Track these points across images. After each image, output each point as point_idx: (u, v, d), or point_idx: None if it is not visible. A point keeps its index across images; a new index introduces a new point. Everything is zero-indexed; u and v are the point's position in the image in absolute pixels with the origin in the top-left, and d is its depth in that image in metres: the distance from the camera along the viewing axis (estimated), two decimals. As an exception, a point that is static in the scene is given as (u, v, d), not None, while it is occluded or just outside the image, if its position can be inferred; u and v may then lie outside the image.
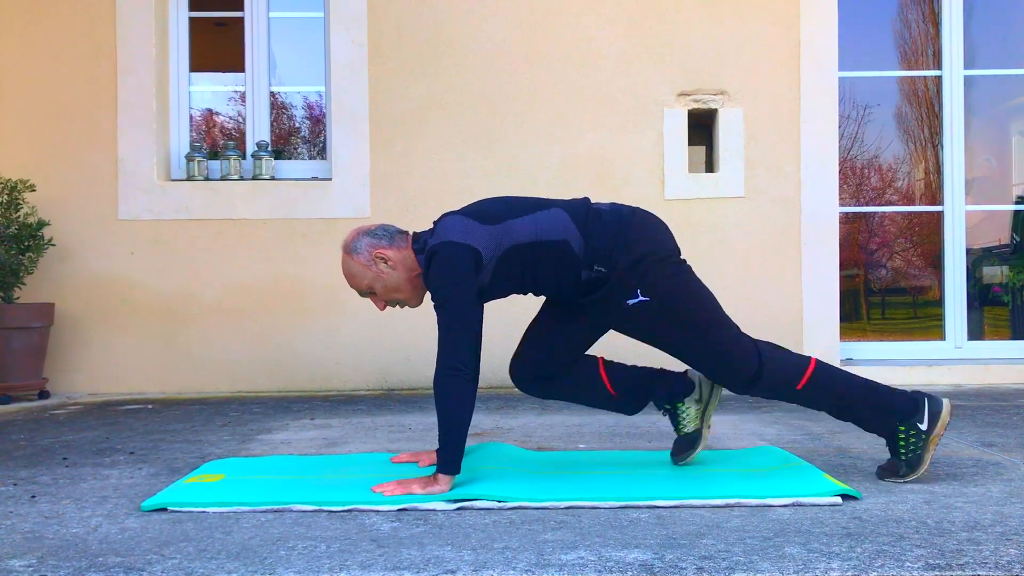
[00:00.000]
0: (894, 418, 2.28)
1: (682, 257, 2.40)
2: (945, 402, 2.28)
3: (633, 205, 2.45)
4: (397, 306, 2.47)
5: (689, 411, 2.49)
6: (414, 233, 2.44)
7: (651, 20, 4.67)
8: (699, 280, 2.39)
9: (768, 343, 2.39)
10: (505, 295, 2.43)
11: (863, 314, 5.76)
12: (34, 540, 1.87)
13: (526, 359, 2.50)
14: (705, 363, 2.36)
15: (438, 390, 2.19)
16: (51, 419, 3.74)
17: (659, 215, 2.48)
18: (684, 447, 2.51)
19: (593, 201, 2.42)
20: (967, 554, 1.67)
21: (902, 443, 2.28)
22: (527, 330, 2.54)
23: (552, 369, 2.49)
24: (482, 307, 2.28)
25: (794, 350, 2.48)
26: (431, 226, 2.44)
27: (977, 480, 2.31)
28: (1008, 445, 2.81)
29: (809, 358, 2.36)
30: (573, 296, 2.37)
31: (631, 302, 2.30)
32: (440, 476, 2.17)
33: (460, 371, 2.17)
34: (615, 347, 2.73)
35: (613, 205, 2.40)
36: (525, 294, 2.45)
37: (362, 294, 2.43)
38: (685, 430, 2.50)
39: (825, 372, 2.34)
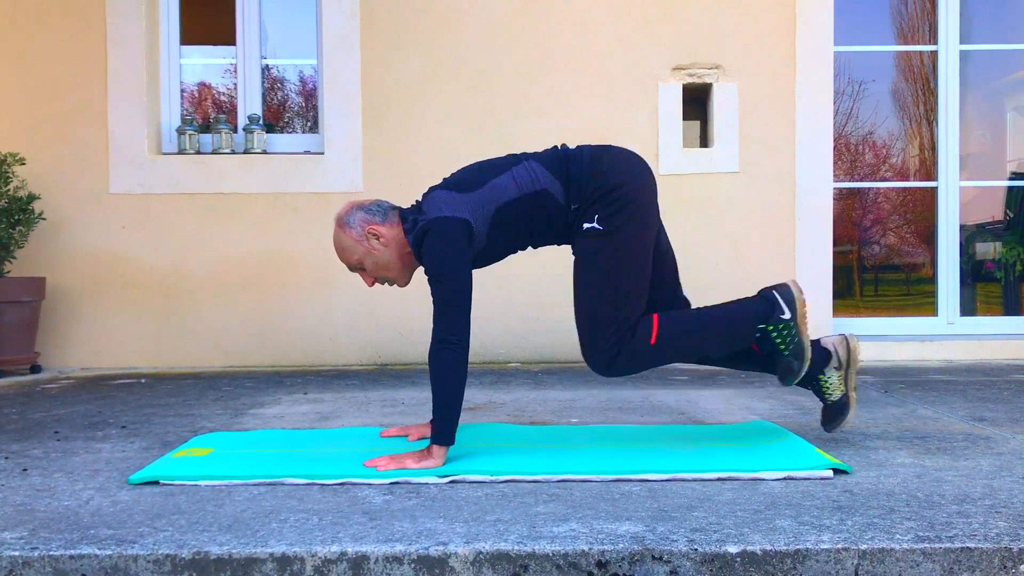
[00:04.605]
0: (757, 322, 2.30)
1: (653, 200, 2.36)
2: (790, 282, 2.34)
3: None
4: (386, 283, 2.46)
5: (831, 380, 2.41)
6: (400, 210, 2.42)
7: (646, -7, 4.63)
8: (647, 242, 2.34)
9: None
10: (503, 256, 2.44)
11: (856, 290, 5.77)
12: (26, 513, 1.87)
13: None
14: (591, 314, 2.28)
15: (434, 364, 2.19)
16: (43, 393, 3.73)
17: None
18: (834, 414, 2.44)
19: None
20: (956, 526, 1.68)
21: (778, 340, 2.31)
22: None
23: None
24: (472, 279, 2.27)
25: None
26: (413, 203, 2.43)
27: (967, 454, 2.32)
28: (998, 420, 2.82)
29: (651, 314, 2.32)
30: (567, 239, 2.40)
31: (587, 226, 2.30)
32: (434, 449, 2.17)
33: (455, 345, 2.18)
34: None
35: (588, 145, 2.40)
36: (524, 249, 2.46)
37: (351, 268, 2.42)
38: (832, 399, 2.42)
39: (670, 316, 2.33)
